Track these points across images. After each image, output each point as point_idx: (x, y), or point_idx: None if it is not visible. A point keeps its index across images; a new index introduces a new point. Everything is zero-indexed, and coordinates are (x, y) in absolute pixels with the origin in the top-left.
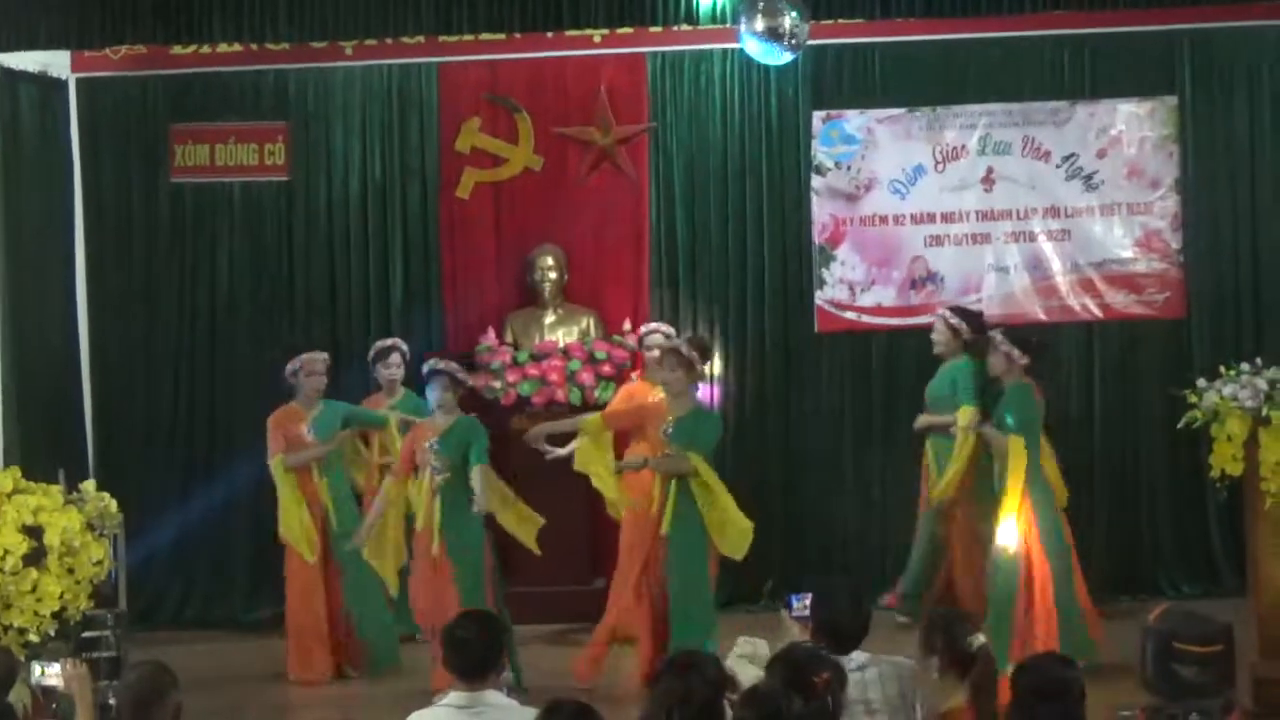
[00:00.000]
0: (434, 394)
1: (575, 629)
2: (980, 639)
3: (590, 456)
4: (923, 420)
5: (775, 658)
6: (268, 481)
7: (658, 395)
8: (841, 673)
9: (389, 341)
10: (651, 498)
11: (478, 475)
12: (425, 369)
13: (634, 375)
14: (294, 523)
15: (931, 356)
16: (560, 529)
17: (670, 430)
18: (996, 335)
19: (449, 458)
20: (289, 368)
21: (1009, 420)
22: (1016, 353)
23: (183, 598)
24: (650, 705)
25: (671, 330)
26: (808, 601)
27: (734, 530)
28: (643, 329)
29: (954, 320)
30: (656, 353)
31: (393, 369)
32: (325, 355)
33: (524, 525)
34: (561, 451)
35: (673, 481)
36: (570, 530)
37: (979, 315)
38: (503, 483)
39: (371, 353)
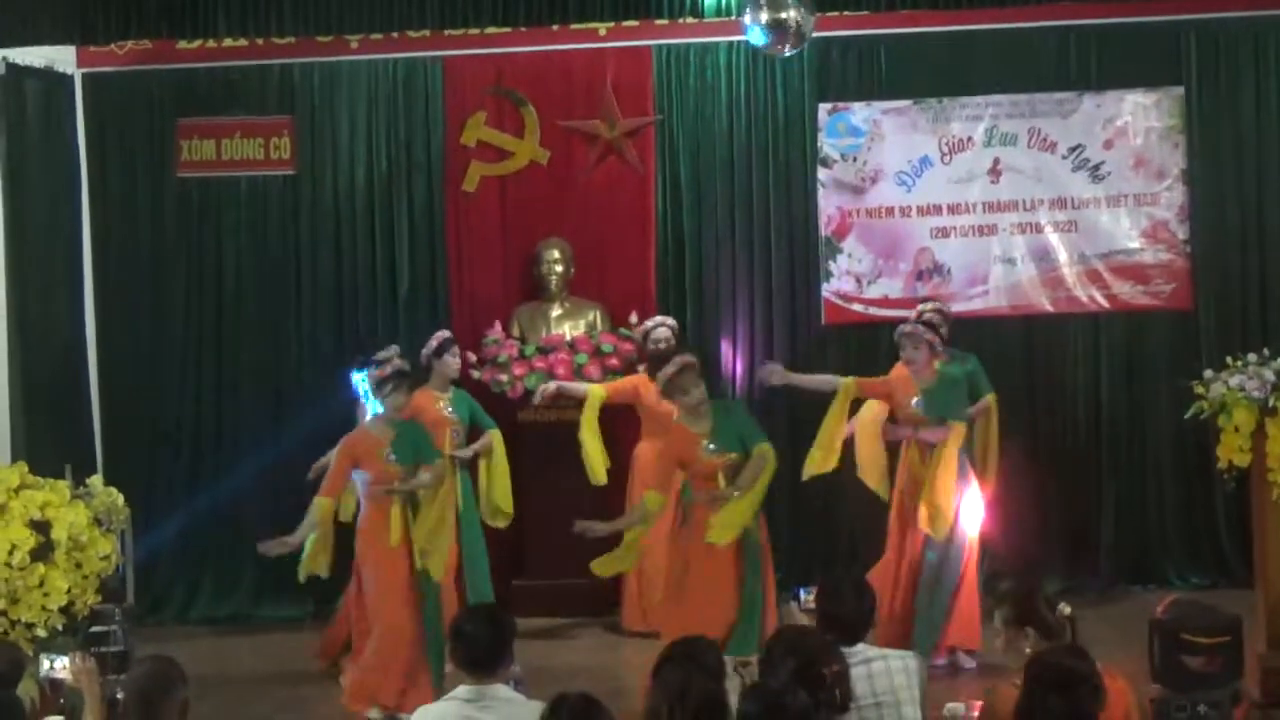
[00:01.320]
0: (391, 399)
1: (581, 623)
2: (1068, 608)
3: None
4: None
5: (783, 650)
6: (275, 475)
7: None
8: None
9: (448, 333)
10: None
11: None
12: (389, 370)
13: (640, 368)
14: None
15: None
16: (564, 523)
17: (712, 447)
18: (913, 327)
19: (407, 465)
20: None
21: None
22: (937, 341)
23: (190, 593)
24: (652, 697)
25: (674, 322)
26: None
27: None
28: (647, 324)
29: (909, 329)
30: (664, 346)
31: (458, 359)
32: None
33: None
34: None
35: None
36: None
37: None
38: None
39: (434, 344)
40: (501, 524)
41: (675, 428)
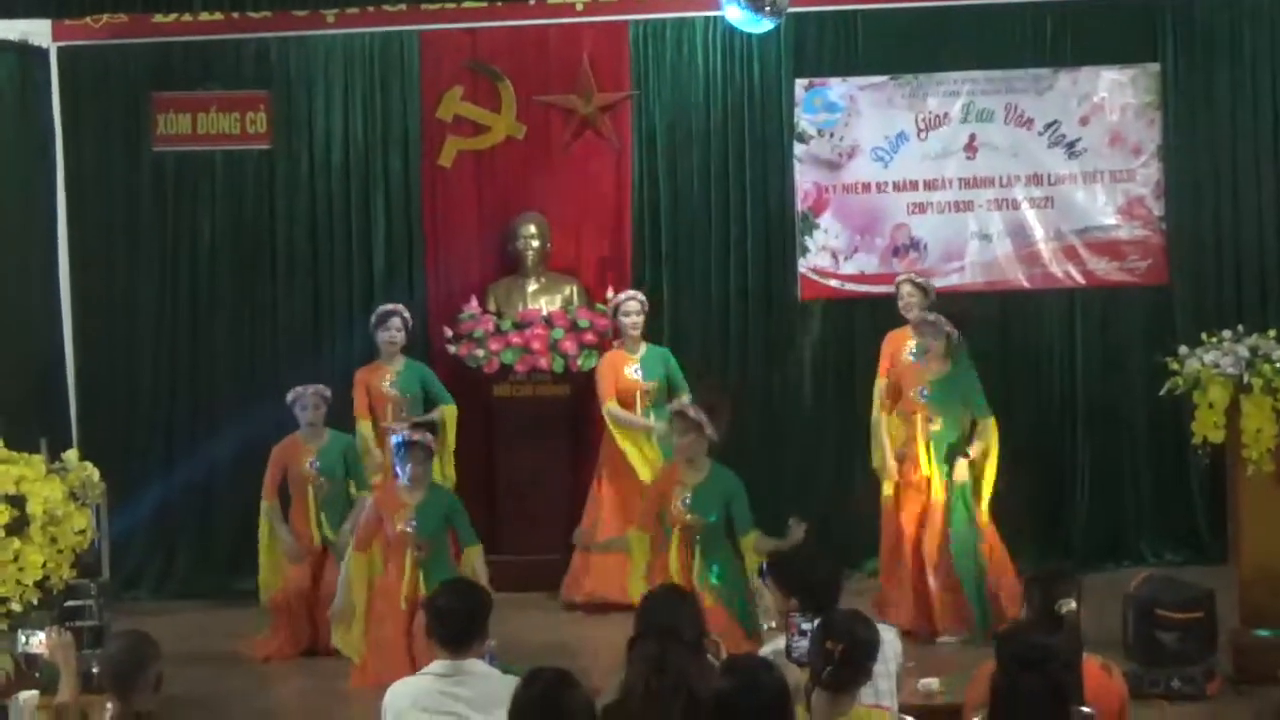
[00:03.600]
0: (405, 469)
1: (556, 598)
2: (1070, 603)
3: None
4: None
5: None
6: (251, 450)
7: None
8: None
9: (390, 306)
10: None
11: (477, 559)
12: (395, 441)
13: (615, 344)
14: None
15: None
16: (539, 499)
17: (690, 498)
18: (936, 317)
19: (429, 537)
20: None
21: (980, 400)
22: (956, 333)
23: (165, 567)
24: (629, 671)
25: (643, 296)
26: None
27: None
28: (620, 296)
29: (920, 280)
30: (632, 319)
31: (393, 332)
32: (317, 388)
33: None
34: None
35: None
36: (549, 500)
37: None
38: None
39: (372, 318)
40: None
41: (668, 466)
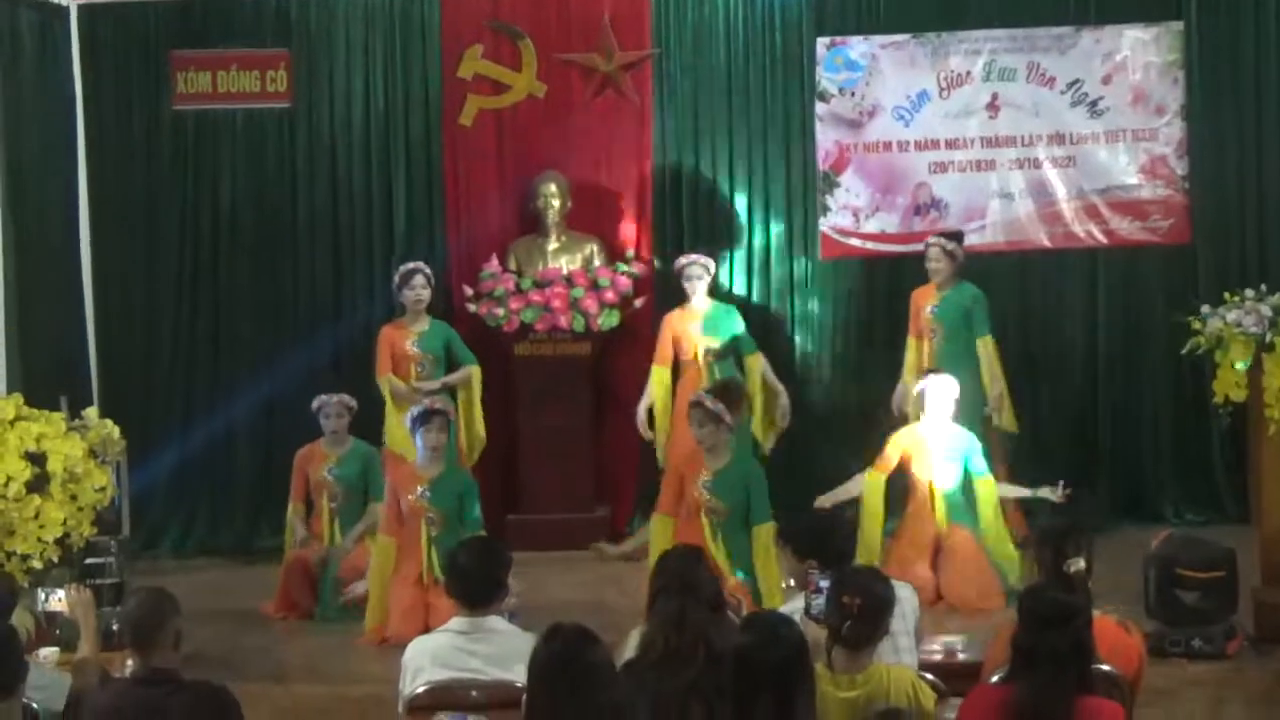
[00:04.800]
0: (428, 437)
1: (574, 557)
2: (1079, 563)
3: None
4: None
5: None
6: (271, 409)
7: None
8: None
9: (412, 264)
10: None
11: None
12: (417, 410)
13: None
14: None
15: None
16: (565, 457)
17: (711, 483)
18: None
19: (443, 509)
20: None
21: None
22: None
23: (186, 525)
24: (648, 627)
25: (710, 262)
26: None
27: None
28: (682, 260)
29: (950, 246)
30: (697, 283)
31: (418, 290)
32: (341, 398)
33: None
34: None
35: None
36: (574, 458)
37: (962, 234)
38: None
39: (395, 277)
40: (475, 458)
41: (695, 452)
